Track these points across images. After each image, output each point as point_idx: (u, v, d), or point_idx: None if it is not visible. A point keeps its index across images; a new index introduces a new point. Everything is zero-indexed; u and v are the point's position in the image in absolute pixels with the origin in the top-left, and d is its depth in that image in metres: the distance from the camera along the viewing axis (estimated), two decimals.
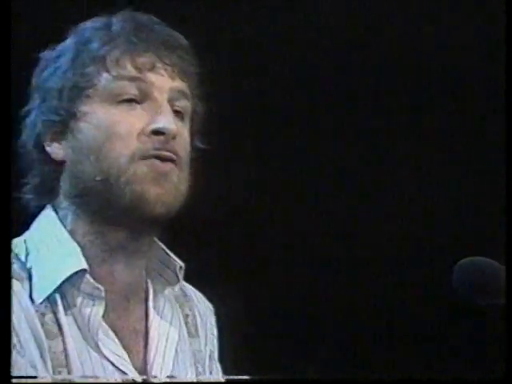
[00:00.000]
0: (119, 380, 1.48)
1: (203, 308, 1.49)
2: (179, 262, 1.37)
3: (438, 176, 4.06)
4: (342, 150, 3.44)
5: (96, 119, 1.26)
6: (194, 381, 1.36)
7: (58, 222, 1.26)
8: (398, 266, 4.05)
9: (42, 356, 1.23)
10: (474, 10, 4.27)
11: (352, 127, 3.72)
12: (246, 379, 1.67)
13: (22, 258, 1.29)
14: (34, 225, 1.35)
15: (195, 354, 1.40)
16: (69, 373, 1.25)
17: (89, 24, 1.33)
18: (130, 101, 1.29)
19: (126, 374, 1.27)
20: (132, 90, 1.28)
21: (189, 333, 1.39)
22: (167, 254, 1.37)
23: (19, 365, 1.22)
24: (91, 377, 1.35)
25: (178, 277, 1.35)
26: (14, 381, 1.43)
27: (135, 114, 1.28)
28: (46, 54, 1.40)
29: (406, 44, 4.14)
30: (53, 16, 5.77)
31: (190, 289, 1.47)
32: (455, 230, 4.15)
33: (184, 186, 1.29)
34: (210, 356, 1.44)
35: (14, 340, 1.19)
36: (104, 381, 1.51)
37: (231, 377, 2.40)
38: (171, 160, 1.27)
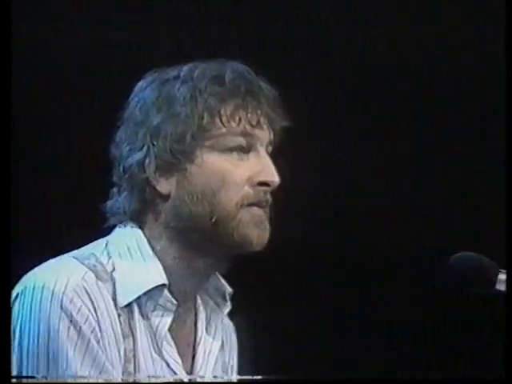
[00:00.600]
0: (119, 380, 1.56)
1: (227, 324, 1.63)
2: (228, 288, 1.55)
3: (438, 175, 4.06)
4: (342, 148, 3.43)
5: (211, 166, 1.41)
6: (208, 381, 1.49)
7: (146, 240, 1.44)
8: (397, 266, 4.05)
9: (118, 352, 1.40)
10: (474, 11, 4.27)
11: (352, 127, 3.72)
12: (246, 379, 1.70)
13: (104, 261, 1.46)
14: (115, 236, 1.49)
15: (222, 365, 1.59)
16: (134, 369, 1.41)
17: (201, 72, 1.42)
18: (238, 151, 1.44)
19: (177, 375, 1.45)
20: (242, 143, 1.44)
21: (220, 346, 1.57)
22: (219, 278, 1.55)
23: (98, 360, 1.37)
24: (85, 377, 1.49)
25: (226, 301, 1.54)
26: (13, 380, 1.46)
27: (244, 164, 1.44)
28: (150, 94, 1.45)
29: (406, 44, 4.15)
30: (53, 16, 5.78)
31: None
32: (455, 229, 4.16)
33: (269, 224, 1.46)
34: (231, 367, 1.61)
35: (97, 336, 1.35)
36: (104, 381, 1.58)
37: (230, 378, 2.40)
38: (267, 206, 1.47)
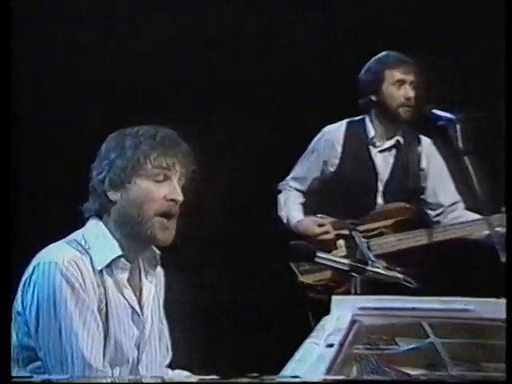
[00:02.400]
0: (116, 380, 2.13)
1: (159, 271, 2.41)
2: (157, 251, 2.33)
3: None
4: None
5: (142, 187, 2.23)
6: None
7: (106, 229, 2.25)
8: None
9: (95, 296, 2.15)
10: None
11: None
12: (246, 379, 1.69)
13: (82, 243, 2.22)
14: (88, 226, 2.28)
15: (155, 295, 2.36)
16: (106, 306, 2.15)
17: (142, 132, 2.26)
18: (159, 179, 2.24)
19: (135, 309, 2.23)
20: (162, 174, 2.23)
21: (155, 285, 2.37)
22: (152, 247, 2.34)
23: (82, 301, 2.12)
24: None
25: (157, 260, 2.35)
26: (13, 380, 1.88)
27: (161, 187, 2.23)
28: (112, 142, 2.28)
29: None
30: (53, 16, 5.76)
31: None
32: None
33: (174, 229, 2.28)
34: (160, 296, 2.39)
35: (83, 288, 2.13)
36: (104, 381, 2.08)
37: (232, 379, 2.41)
38: (175, 216, 2.26)
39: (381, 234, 3.27)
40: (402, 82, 3.33)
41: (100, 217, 2.22)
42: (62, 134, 3.91)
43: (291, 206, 3.43)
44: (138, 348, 2.22)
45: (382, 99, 3.34)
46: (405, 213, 3.32)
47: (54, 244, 2.21)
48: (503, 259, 2.80)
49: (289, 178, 3.50)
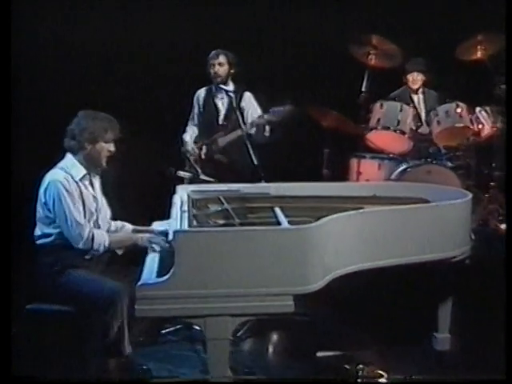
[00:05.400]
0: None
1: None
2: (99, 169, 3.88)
3: None
4: None
5: (99, 144, 3.78)
6: None
7: (76, 160, 3.74)
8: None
9: (78, 194, 3.69)
10: None
11: None
12: (246, 379, 1.75)
13: (66, 168, 3.69)
14: (67, 159, 3.73)
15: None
16: (82, 202, 3.67)
17: (97, 115, 3.75)
18: (106, 141, 3.80)
19: (93, 195, 3.76)
20: (106, 138, 3.75)
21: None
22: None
23: (73, 197, 3.64)
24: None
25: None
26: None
27: (106, 144, 3.76)
28: (83, 121, 3.77)
29: None
30: (53, 16, 5.84)
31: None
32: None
33: None
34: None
35: (73, 191, 3.64)
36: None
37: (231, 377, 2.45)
38: None
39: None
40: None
41: (73, 153, 3.75)
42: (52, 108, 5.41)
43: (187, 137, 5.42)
44: (96, 211, 3.79)
45: None
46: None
47: (52, 170, 3.74)
48: None
49: (189, 121, 5.48)
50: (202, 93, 5.47)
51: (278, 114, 4.94)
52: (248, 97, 5.33)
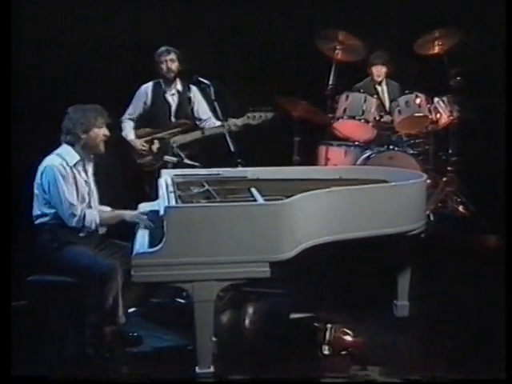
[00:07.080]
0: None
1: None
2: (92, 156, 4.23)
3: None
4: None
5: (94, 132, 4.11)
6: None
7: (71, 148, 4.04)
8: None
9: (72, 179, 4.00)
10: None
11: None
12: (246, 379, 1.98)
13: (61, 155, 4.00)
14: (62, 148, 4.03)
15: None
16: (75, 185, 3.96)
17: (89, 107, 4.08)
18: (99, 126, 4.15)
19: (86, 180, 4.06)
20: (99, 125, 4.08)
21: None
22: None
23: (66, 181, 3.93)
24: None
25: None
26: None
27: (100, 130, 4.16)
28: (77, 113, 4.09)
29: None
30: (53, 16, 5.92)
31: None
32: None
33: None
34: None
35: (68, 175, 3.94)
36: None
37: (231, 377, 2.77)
38: None
39: (175, 135, 5.40)
40: None
41: (67, 143, 4.04)
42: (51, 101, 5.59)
43: (128, 131, 5.62)
44: (88, 194, 4.06)
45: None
46: (186, 124, 5.44)
47: (49, 156, 4.01)
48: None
49: (125, 114, 5.61)
50: (149, 87, 5.57)
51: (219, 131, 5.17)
52: (195, 91, 5.50)
